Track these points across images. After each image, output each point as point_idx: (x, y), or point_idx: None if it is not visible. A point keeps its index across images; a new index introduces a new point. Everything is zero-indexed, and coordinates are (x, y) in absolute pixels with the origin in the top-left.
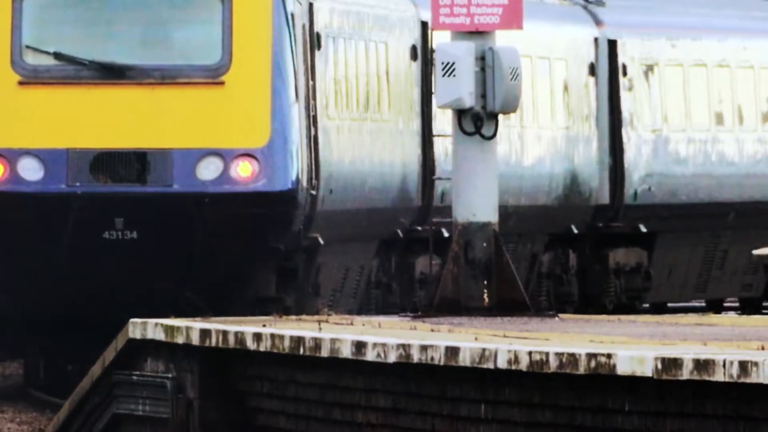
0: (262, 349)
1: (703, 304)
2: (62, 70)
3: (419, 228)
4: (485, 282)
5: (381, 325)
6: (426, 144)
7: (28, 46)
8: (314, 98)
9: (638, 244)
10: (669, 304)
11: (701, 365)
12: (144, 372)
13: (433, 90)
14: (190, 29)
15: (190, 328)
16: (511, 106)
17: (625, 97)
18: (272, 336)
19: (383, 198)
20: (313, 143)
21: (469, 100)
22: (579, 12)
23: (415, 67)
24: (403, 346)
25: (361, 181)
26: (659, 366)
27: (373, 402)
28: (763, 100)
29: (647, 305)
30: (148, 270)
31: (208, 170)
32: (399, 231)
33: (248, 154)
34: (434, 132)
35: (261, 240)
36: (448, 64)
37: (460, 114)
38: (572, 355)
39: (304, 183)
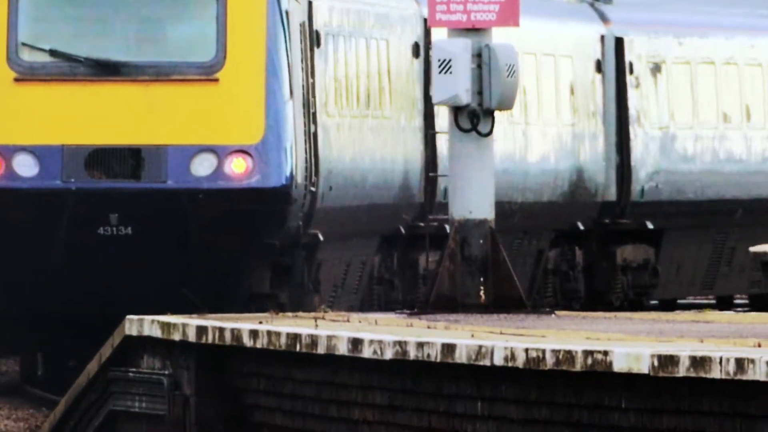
0: (258, 346)
1: (713, 301)
2: (58, 66)
3: (422, 224)
4: (482, 279)
5: (377, 322)
6: (428, 141)
7: (24, 43)
8: (314, 96)
9: (645, 241)
10: (678, 301)
11: (698, 362)
12: (140, 369)
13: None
14: (185, 26)
15: (187, 324)
16: (507, 103)
17: (632, 94)
18: (269, 333)
19: (385, 195)
20: (312, 140)
21: (465, 97)
22: (586, 9)
23: (417, 65)
24: (400, 343)
25: (362, 177)
26: (656, 363)
27: (370, 399)
28: None
29: (656, 302)
30: (142, 266)
31: (202, 166)
32: (401, 227)
33: (242, 151)
34: (437, 129)
35: (255, 236)
36: (444, 61)
37: (457, 111)
38: (569, 352)
39: (299, 179)
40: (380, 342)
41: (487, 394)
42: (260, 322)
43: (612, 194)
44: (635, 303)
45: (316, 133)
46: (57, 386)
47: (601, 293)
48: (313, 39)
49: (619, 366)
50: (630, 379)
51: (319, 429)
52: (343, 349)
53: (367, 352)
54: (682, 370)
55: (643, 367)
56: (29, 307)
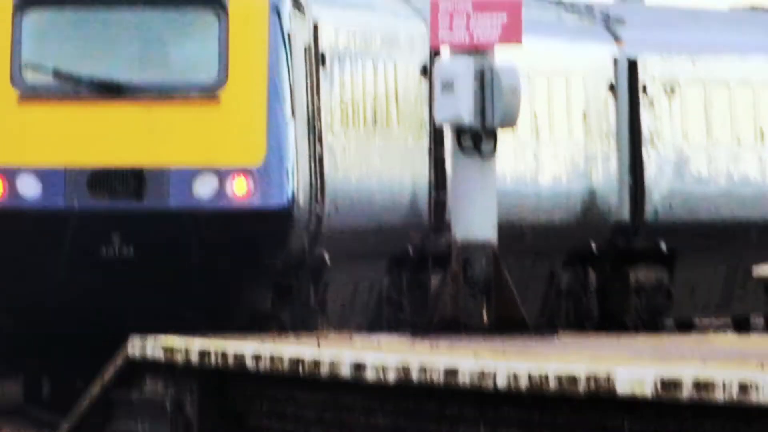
0: (261, 368)
1: (730, 322)
2: (61, 87)
3: (430, 245)
4: (484, 301)
5: (380, 343)
6: (437, 161)
7: (27, 64)
8: (319, 117)
9: (659, 262)
10: (695, 322)
11: (701, 385)
12: (143, 391)
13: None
14: (187, 46)
15: (189, 347)
16: (509, 122)
17: (645, 115)
18: (271, 357)
19: (392, 215)
20: (317, 161)
21: (467, 117)
22: (598, 30)
23: (426, 85)
24: (403, 366)
25: (369, 198)
26: (658, 386)
27: (373, 421)
28: None
29: (671, 322)
30: (144, 286)
31: (204, 187)
32: (410, 248)
33: (244, 171)
34: (445, 150)
35: (257, 257)
36: (446, 80)
37: (459, 132)
38: (571, 375)
39: (302, 200)
40: (383, 365)
41: (489, 416)
42: (262, 342)
43: (625, 215)
44: (649, 324)
45: (322, 153)
46: (60, 407)
47: (614, 315)
48: (318, 60)
49: (622, 389)
50: (633, 402)
51: None
52: (345, 372)
53: (370, 376)
54: (685, 393)
55: (646, 391)
56: (31, 329)
